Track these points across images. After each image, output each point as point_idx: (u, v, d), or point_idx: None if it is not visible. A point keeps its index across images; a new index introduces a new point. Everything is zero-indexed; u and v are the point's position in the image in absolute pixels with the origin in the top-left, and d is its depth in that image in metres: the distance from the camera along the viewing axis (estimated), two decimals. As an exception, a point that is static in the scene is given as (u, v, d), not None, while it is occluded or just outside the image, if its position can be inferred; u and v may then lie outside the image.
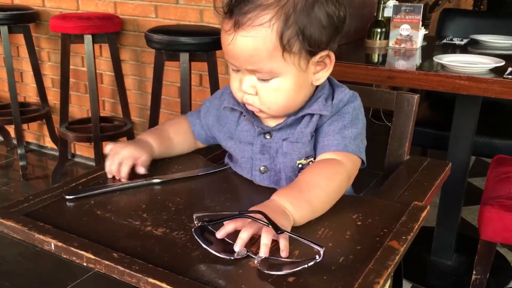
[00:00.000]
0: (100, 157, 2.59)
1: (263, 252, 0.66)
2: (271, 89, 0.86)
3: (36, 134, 3.21)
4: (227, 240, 0.70)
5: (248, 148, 0.95)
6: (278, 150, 0.92)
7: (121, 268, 0.63)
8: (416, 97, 1.04)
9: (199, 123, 1.04)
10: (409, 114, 1.04)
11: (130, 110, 2.70)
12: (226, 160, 1.03)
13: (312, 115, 0.90)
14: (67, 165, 2.88)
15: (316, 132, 0.91)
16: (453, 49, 2.12)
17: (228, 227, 0.70)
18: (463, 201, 2.07)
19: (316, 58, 0.86)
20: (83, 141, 2.78)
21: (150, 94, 2.55)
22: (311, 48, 0.84)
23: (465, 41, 2.25)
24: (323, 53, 0.86)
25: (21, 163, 2.79)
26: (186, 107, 2.17)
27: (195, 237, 0.70)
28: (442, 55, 1.83)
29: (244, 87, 0.86)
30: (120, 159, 0.92)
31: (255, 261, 0.66)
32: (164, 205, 0.81)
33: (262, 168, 0.93)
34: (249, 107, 0.90)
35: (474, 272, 1.72)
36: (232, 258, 0.67)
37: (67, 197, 0.82)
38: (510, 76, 1.59)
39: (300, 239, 0.67)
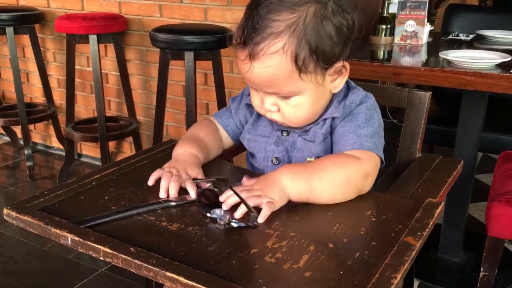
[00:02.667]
0: (106, 156, 2.60)
1: (238, 213, 0.77)
2: (292, 106, 0.89)
3: (42, 135, 3.22)
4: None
5: (263, 140, 0.99)
6: (293, 145, 0.96)
7: (138, 262, 0.64)
8: (428, 94, 1.04)
9: (233, 122, 1.05)
10: (421, 111, 1.04)
11: (136, 110, 2.71)
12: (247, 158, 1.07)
13: (326, 119, 0.94)
14: (74, 165, 2.89)
15: (331, 134, 0.94)
16: (459, 44, 2.12)
17: (228, 193, 0.80)
18: (470, 197, 2.07)
19: (332, 70, 0.89)
20: (89, 141, 2.79)
21: (155, 93, 2.57)
22: (326, 64, 0.86)
23: (471, 36, 2.25)
24: (338, 64, 0.89)
25: (28, 164, 2.80)
26: (191, 106, 2.17)
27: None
28: (448, 50, 1.82)
29: (267, 106, 0.90)
30: (181, 183, 0.86)
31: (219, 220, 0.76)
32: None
33: (274, 159, 0.97)
34: (274, 121, 0.94)
35: (482, 268, 1.71)
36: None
37: (81, 226, 0.74)
38: (517, 72, 1.59)
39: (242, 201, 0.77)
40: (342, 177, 0.83)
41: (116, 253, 0.65)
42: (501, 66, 1.66)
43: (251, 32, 0.82)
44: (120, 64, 2.58)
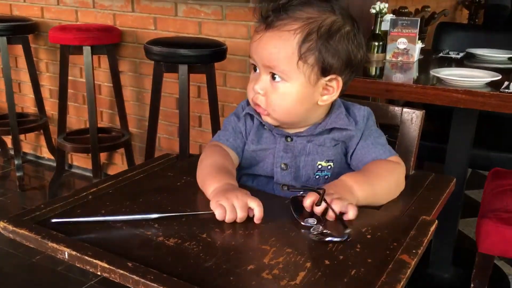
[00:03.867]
0: (98, 168, 2.59)
1: (330, 216, 0.82)
2: (279, 92, 0.95)
3: (33, 145, 3.20)
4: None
5: (271, 147, 1.02)
6: (302, 151, 1.00)
7: (136, 278, 0.64)
8: (422, 113, 1.06)
9: (239, 141, 1.05)
10: (414, 129, 1.06)
11: (128, 121, 2.71)
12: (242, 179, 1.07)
13: (339, 129, 1.00)
14: (64, 175, 2.87)
15: (354, 152, 1.01)
16: (449, 62, 2.15)
17: (309, 200, 0.83)
18: (460, 213, 2.09)
19: (326, 79, 0.96)
20: (81, 152, 2.78)
21: (148, 105, 2.57)
22: (323, 71, 0.94)
23: (461, 54, 2.28)
24: (333, 76, 0.96)
25: (18, 174, 2.78)
26: (184, 118, 2.18)
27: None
28: (439, 68, 1.85)
29: (256, 87, 0.96)
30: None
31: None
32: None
33: (283, 165, 1.01)
34: (257, 109, 0.99)
35: (472, 285, 1.72)
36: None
37: (53, 220, 0.78)
38: (506, 90, 1.62)
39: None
40: (394, 181, 0.96)
41: (114, 268, 0.65)
42: (491, 84, 1.69)
43: (279, 10, 0.93)
44: (114, 75, 2.59)
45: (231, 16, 2.32)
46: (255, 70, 0.99)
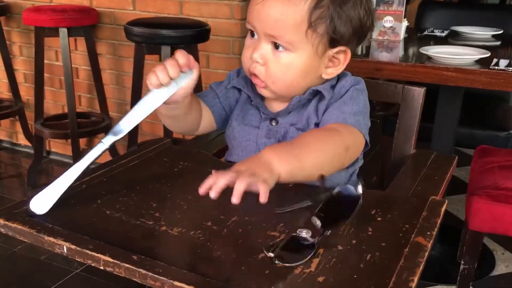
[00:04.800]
0: (78, 154, 2.52)
1: (235, 197, 0.66)
2: (281, 63, 0.87)
3: (8, 131, 3.09)
4: None
5: (253, 131, 0.95)
6: (285, 135, 0.93)
7: (143, 271, 0.60)
8: (423, 90, 1.04)
9: (218, 104, 1.00)
10: (416, 107, 1.03)
11: (108, 105, 2.63)
12: (226, 157, 1.01)
13: (318, 96, 0.91)
14: (43, 162, 2.78)
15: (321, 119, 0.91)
16: (435, 40, 2.14)
17: (210, 180, 0.69)
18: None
19: (335, 50, 0.88)
20: (60, 138, 2.70)
21: (128, 89, 2.50)
22: (332, 41, 0.86)
23: (445, 32, 2.27)
24: (342, 48, 0.88)
25: (-7, 162, 2.69)
26: (168, 101, 2.12)
27: None
28: (428, 46, 1.83)
29: (255, 55, 0.87)
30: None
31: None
32: (176, 204, 0.78)
33: None
34: (254, 80, 0.91)
35: (462, 262, 1.74)
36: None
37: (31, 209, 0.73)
38: (496, 67, 1.61)
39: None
40: (327, 152, 0.82)
41: (118, 262, 0.61)
42: (480, 62, 1.68)
43: None
44: (92, 58, 2.50)
45: (213, -5, 2.26)
46: (252, 35, 0.89)
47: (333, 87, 0.92)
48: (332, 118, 0.88)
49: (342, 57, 0.90)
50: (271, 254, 0.64)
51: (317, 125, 0.90)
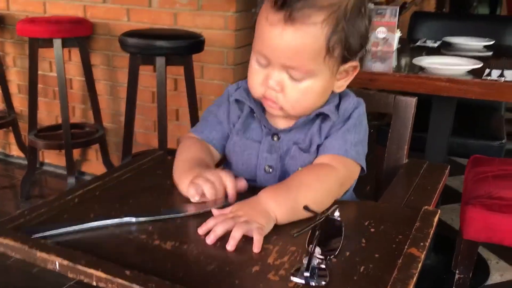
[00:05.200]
0: (72, 165, 2.51)
1: (230, 245, 0.69)
2: (300, 89, 0.86)
3: (1, 142, 3.07)
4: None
5: (255, 146, 0.94)
6: (287, 152, 0.92)
7: (137, 287, 0.60)
8: (414, 100, 1.04)
9: (216, 133, 0.97)
10: (408, 117, 1.04)
11: (102, 116, 2.63)
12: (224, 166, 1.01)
13: (322, 116, 0.90)
14: (36, 173, 2.77)
15: (323, 143, 0.91)
16: (427, 51, 2.15)
17: (210, 224, 0.73)
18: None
19: (346, 66, 0.88)
20: (54, 149, 2.69)
21: (123, 99, 2.50)
22: (348, 56, 0.85)
23: (438, 43, 2.29)
24: (354, 63, 0.88)
25: (-14, 173, 2.68)
26: (163, 112, 2.12)
27: None
28: (421, 57, 1.85)
29: (271, 83, 0.85)
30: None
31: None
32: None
33: (266, 167, 0.93)
34: (269, 103, 0.89)
35: (457, 271, 1.74)
36: None
37: (31, 235, 0.70)
38: (489, 78, 1.62)
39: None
40: (323, 192, 0.83)
41: (111, 277, 0.61)
42: (472, 72, 1.69)
43: (296, 2, 0.79)
44: (86, 69, 2.50)
45: (207, 7, 2.27)
46: (259, 63, 0.86)
47: (336, 106, 0.91)
48: (334, 148, 0.88)
49: (351, 69, 0.89)
50: (307, 274, 0.63)
51: (319, 146, 0.90)
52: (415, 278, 0.63)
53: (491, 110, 2.46)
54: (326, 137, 0.90)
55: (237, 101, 0.96)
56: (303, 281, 0.63)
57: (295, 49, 0.81)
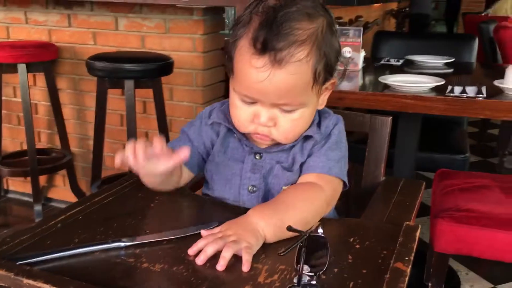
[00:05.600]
0: (38, 192, 2.45)
1: (220, 265, 0.70)
2: (292, 120, 0.86)
3: (-38, 171, 2.98)
4: None
5: (238, 166, 0.93)
6: (270, 171, 0.92)
7: (129, 311, 0.59)
8: (389, 119, 1.08)
9: (191, 158, 0.93)
10: (384, 136, 1.07)
11: (69, 141, 2.59)
12: (204, 190, 1.01)
13: (307, 138, 0.91)
14: (0, 201, 2.69)
15: (306, 160, 0.92)
16: (391, 69, 2.22)
17: (200, 244, 0.73)
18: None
19: (327, 84, 0.89)
20: (19, 176, 2.62)
21: (90, 123, 2.47)
22: (329, 76, 0.87)
23: (401, 61, 2.36)
24: (332, 80, 0.90)
25: None
26: (132, 134, 2.10)
27: None
28: (386, 75, 1.91)
29: (263, 120, 0.85)
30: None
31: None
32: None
33: (250, 187, 0.93)
34: (260, 137, 0.89)
35: (430, 284, 1.77)
36: None
37: (18, 263, 0.69)
38: (452, 94, 1.69)
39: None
40: (311, 212, 0.84)
41: (103, 302, 0.60)
42: (436, 89, 1.76)
43: (273, 38, 0.79)
44: (52, 93, 2.46)
45: (175, 29, 2.28)
46: (244, 101, 0.86)
47: (317, 124, 0.93)
48: (318, 166, 0.89)
49: (330, 86, 0.91)
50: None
51: (302, 164, 0.91)
52: (403, 291, 0.64)
53: (454, 124, 2.55)
54: (309, 155, 0.91)
55: (215, 123, 0.96)
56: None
57: (286, 89, 0.82)
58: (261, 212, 0.79)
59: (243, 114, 0.88)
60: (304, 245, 0.68)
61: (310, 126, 0.92)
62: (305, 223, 0.80)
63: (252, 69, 0.81)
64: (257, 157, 0.93)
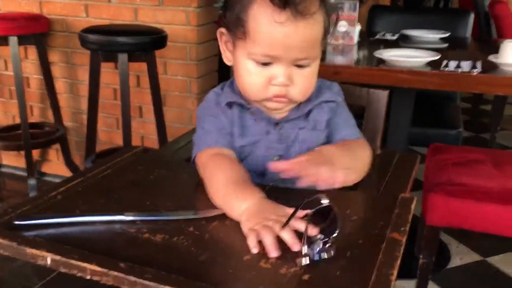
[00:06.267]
0: (32, 166, 2.45)
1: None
2: (306, 75, 0.89)
3: (-46, 145, 2.96)
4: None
5: (263, 139, 0.94)
6: (295, 139, 0.94)
7: (133, 278, 0.60)
8: (386, 92, 1.08)
9: (229, 139, 0.93)
10: (380, 109, 1.08)
11: (62, 115, 2.57)
12: None
13: (326, 102, 0.95)
14: (-6, 176, 2.69)
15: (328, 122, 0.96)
16: (386, 44, 2.21)
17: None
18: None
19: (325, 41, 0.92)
20: (12, 150, 2.62)
21: (83, 97, 2.46)
22: (327, 33, 0.90)
23: (396, 36, 2.35)
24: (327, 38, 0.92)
25: None
26: (126, 109, 2.10)
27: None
28: (381, 50, 1.90)
29: (281, 80, 0.86)
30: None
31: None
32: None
33: (276, 158, 0.94)
34: (276, 100, 0.89)
35: (421, 256, 1.80)
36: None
37: (16, 222, 0.71)
38: (446, 69, 1.69)
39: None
40: (365, 159, 0.91)
41: (106, 270, 0.61)
42: (431, 64, 1.76)
43: None
44: (44, 67, 2.44)
45: (168, 2, 2.25)
46: (260, 64, 0.86)
47: (327, 87, 0.98)
48: (352, 134, 0.96)
49: (324, 44, 0.93)
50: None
51: (327, 121, 0.96)
52: (399, 261, 0.66)
53: (448, 100, 2.57)
54: (331, 116, 0.96)
55: (227, 105, 0.94)
56: (307, 261, 0.65)
57: (309, 40, 0.85)
58: (333, 148, 0.86)
59: (258, 79, 0.88)
60: (302, 207, 0.68)
61: (322, 93, 0.95)
62: (361, 168, 0.88)
63: (275, 25, 0.82)
64: (277, 128, 0.94)
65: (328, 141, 0.96)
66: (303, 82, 0.89)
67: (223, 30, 0.92)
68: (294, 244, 0.67)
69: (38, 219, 0.72)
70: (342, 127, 0.96)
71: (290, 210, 0.71)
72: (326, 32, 0.89)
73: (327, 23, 0.89)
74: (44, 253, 0.64)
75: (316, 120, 0.95)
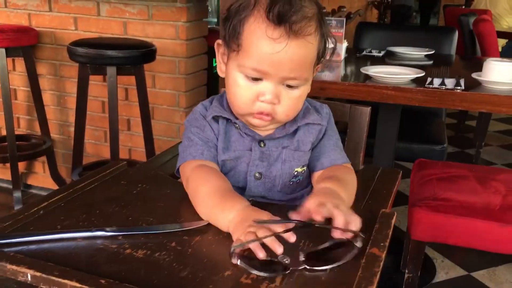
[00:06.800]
0: (17, 178, 2.43)
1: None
2: (294, 97, 0.88)
3: None
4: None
5: (244, 155, 0.94)
6: (277, 158, 0.94)
7: (113, 295, 0.60)
8: (368, 109, 1.10)
9: (214, 151, 0.93)
10: (363, 125, 1.09)
11: (49, 127, 2.57)
12: None
13: (310, 124, 0.95)
14: (-21, 188, 2.67)
15: (314, 148, 0.97)
16: (373, 60, 2.25)
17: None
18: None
19: (318, 66, 0.93)
20: (-2, 162, 2.60)
21: (71, 110, 2.46)
22: (322, 57, 0.91)
23: (382, 52, 2.39)
24: (320, 64, 0.93)
25: None
26: (115, 122, 2.10)
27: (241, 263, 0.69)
28: (368, 66, 1.93)
29: (268, 97, 0.86)
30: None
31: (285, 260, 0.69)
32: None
33: (257, 174, 0.94)
34: (261, 117, 0.89)
35: (406, 271, 1.81)
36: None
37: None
38: (431, 86, 1.72)
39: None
40: (354, 187, 0.92)
41: (86, 287, 0.61)
42: (416, 81, 1.79)
43: (287, 10, 0.82)
44: (32, 79, 2.44)
45: (157, 16, 2.27)
46: (249, 79, 0.86)
47: (316, 111, 0.97)
48: (339, 158, 0.96)
49: (316, 69, 0.94)
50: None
51: (312, 144, 0.96)
52: (378, 276, 0.67)
53: (433, 116, 2.60)
54: (318, 139, 0.96)
55: (213, 118, 0.94)
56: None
57: (299, 61, 0.85)
58: (334, 185, 0.85)
59: (246, 93, 0.88)
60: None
61: (309, 114, 0.95)
62: (352, 197, 0.89)
63: (268, 40, 0.83)
64: (261, 145, 0.94)
65: (311, 162, 0.97)
66: (290, 103, 0.88)
67: (220, 41, 0.93)
68: (277, 247, 0.68)
69: (18, 237, 0.71)
70: (331, 151, 0.96)
71: (274, 217, 0.74)
72: (319, 56, 0.89)
73: (322, 47, 0.89)
74: (25, 270, 0.64)
75: (301, 140, 0.95)
